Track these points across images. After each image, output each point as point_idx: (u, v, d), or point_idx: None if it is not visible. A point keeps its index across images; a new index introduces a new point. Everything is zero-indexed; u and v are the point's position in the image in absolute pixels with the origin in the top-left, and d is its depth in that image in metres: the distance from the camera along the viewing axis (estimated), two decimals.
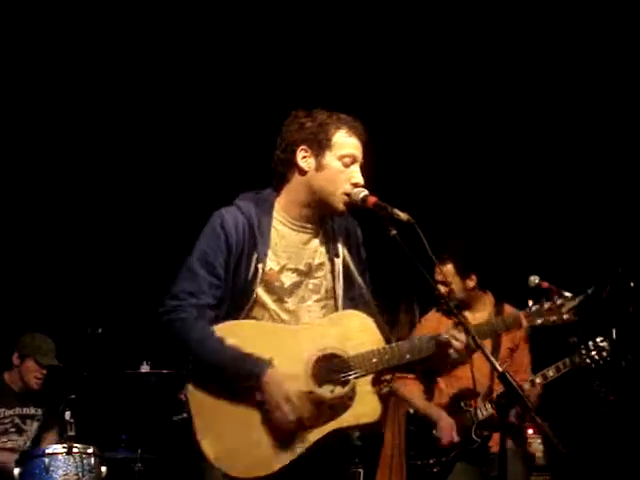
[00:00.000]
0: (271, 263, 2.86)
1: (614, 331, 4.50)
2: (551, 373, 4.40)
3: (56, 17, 5.53)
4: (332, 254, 2.95)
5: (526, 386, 4.32)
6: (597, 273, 5.19)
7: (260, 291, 2.84)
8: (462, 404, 4.47)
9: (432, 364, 2.92)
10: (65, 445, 4.70)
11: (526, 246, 6.03)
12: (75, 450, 4.69)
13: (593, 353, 4.33)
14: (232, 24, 5.79)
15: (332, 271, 2.95)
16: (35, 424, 5.31)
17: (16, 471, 4.69)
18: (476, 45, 5.76)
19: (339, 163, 2.85)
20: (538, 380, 4.40)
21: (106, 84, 5.94)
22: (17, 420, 5.23)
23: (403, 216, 2.80)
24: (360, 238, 3.06)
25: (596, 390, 4.58)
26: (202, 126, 6.26)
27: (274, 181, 2.95)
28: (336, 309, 2.94)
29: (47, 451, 4.71)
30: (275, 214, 2.91)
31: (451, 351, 2.81)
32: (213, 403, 2.75)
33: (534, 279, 4.80)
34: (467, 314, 4.66)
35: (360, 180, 2.87)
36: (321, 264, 2.94)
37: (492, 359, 2.58)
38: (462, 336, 2.79)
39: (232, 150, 6.21)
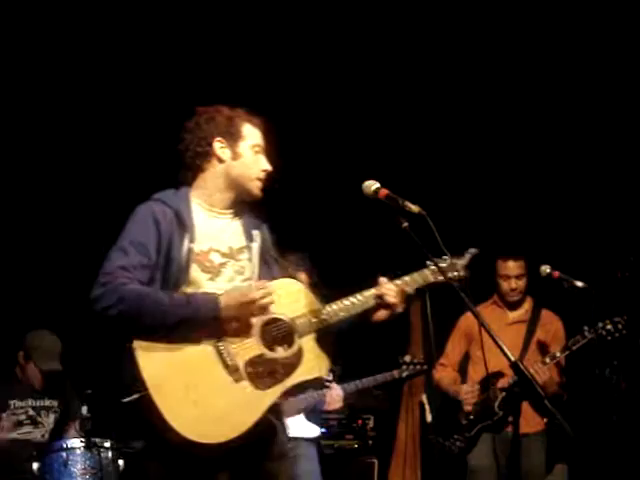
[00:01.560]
0: (200, 245, 2.98)
1: (626, 318, 4.55)
2: (558, 354, 4.66)
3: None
4: (248, 240, 3.11)
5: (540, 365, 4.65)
6: (609, 262, 5.21)
7: (194, 270, 2.95)
8: (488, 385, 4.88)
9: (372, 319, 3.05)
10: (83, 439, 4.75)
11: (537, 235, 6.03)
12: (93, 444, 4.74)
13: (609, 327, 4.50)
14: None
15: (250, 255, 3.09)
16: (52, 416, 5.32)
17: (35, 465, 4.73)
18: (474, 36, 5.76)
19: (251, 152, 3.08)
20: (547, 360, 4.67)
21: None
22: (31, 412, 5.25)
23: (414, 208, 2.88)
24: (267, 229, 3.22)
25: (608, 377, 4.63)
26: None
27: (187, 175, 3.10)
28: None
29: (65, 445, 4.76)
30: (192, 204, 3.04)
31: (389, 299, 3.00)
32: (169, 375, 2.78)
33: (545, 268, 4.85)
34: (507, 311, 5.11)
35: (269, 167, 3.09)
36: (242, 248, 3.09)
37: (504, 347, 2.61)
38: (392, 286, 3.03)
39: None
